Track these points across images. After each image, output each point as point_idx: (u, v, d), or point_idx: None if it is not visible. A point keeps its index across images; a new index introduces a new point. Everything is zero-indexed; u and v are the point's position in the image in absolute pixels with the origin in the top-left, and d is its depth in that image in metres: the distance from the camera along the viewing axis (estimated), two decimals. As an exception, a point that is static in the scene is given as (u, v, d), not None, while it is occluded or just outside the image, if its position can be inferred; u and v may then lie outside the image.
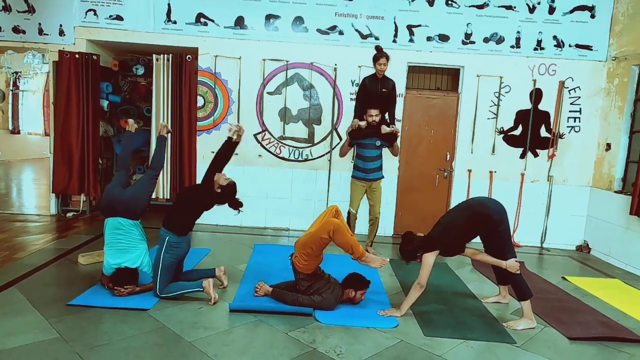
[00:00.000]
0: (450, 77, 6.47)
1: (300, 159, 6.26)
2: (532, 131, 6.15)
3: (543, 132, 6.18)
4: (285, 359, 2.93)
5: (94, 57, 6.02)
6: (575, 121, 6.15)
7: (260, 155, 6.18)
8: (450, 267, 5.00)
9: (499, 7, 5.98)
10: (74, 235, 5.46)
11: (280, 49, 6.07)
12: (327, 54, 6.07)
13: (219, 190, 3.76)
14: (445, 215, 3.81)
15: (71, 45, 6.04)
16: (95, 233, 5.45)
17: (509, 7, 5.98)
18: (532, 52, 6.06)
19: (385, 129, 5.02)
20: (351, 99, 6.04)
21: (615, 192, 5.76)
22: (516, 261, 3.55)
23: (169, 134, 4.86)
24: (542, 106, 6.14)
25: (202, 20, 6.01)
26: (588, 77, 6.07)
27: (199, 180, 6.09)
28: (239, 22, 6.04)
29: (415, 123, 6.27)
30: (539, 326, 3.60)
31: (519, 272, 3.54)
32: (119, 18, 6.00)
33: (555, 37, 6.03)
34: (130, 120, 4.27)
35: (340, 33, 6.04)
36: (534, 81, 6.10)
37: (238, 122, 6.02)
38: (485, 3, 5.98)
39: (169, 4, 5.97)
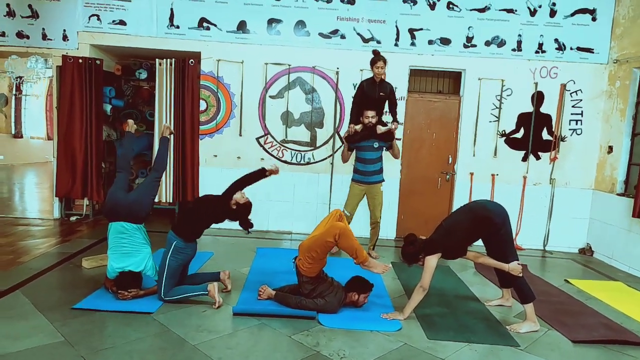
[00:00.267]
0: (452, 81, 6.50)
1: (302, 162, 6.28)
2: (534, 134, 6.16)
3: (545, 135, 6.19)
4: (289, 362, 2.93)
5: (97, 61, 6.06)
6: (577, 124, 6.16)
7: (262, 159, 6.20)
8: (452, 270, 5.00)
9: (500, 10, 6.00)
10: (78, 239, 5.48)
11: (283, 53, 6.10)
12: (329, 57, 6.10)
13: (234, 207, 3.80)
14: (448, 218, 3.82)
15: (74, 50, 6.09)
16: (99, 237, 5.46)
17: (510, 11, 6.00)
18: (533, 55, 6.08)
19: (380, 128, 5.04)
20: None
21: (618, 194, 5.76)
22: (518, 264, 3.55)
23: (172, 136, 4.88)
24: (543, 109, 6.15)
25: (205, 24, 6.05)
26: (590, 79, 6.08)
27: (201, 183, 6.15)
28: (242, 27, 6.07)
29: (417, 126, 6.29)
30: (542, 329, 3.60)
31: (521, 274, 3.55)
32: (122, 23, 6.04)
33: (556, 40, 6.05)
34: (130, 121, 4.28)
35: (342, 37, 6.07)
36: (536, 84, 6.11)
37: (240, 125, 6.15)
38: (486, 6, 6.00)
39: (171, 9, 6.01)
